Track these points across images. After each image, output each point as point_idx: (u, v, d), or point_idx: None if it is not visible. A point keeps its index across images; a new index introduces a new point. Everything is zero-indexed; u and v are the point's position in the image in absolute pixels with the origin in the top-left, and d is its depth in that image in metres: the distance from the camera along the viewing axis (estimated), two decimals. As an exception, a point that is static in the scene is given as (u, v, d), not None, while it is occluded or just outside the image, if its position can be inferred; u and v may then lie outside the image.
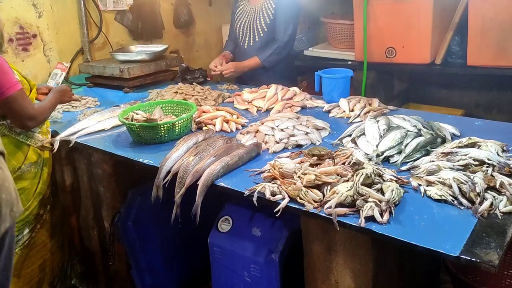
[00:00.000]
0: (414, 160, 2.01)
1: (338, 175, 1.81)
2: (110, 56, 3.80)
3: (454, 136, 2.23)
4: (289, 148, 2.31)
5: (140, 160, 2.32)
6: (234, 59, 3.69)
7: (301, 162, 1.97)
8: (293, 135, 2.33)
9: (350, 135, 2.30)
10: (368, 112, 2.61)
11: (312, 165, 1.92)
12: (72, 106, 3.17)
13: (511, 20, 3.60)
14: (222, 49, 3.85)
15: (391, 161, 2.04)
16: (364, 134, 2.21)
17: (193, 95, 3.10)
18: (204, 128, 2.65)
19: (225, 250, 2.33)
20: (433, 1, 3.91)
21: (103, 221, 2.89)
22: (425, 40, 4.09)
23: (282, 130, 2.39)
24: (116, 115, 2.81)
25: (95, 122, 2.79)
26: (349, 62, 4.63)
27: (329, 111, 2.78)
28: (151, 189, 2.19)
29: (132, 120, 2.52)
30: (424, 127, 2.20)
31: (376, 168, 1.80)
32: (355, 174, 1.74)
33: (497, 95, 4.77)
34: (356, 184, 1.69)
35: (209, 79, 3.83)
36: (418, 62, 4.22)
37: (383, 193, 1.69)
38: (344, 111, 2.70)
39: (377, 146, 2.09)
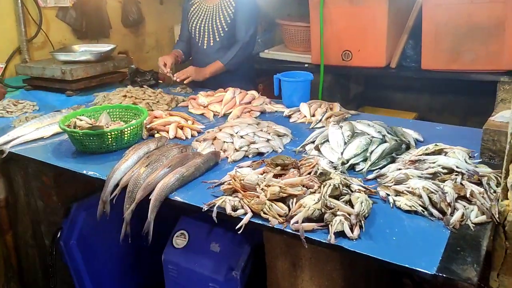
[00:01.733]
0: (380, 168, 1.92)
1: (304, 186, 1.68)
2: (51, 56, 3.49)
3: (417, 142, 2.17)
4: (250, 156, 2.16)
5: (84, 172, 2.09)
6: (185, 60, 3.49)
7: (264, 172, 1.82)
8: (253, 143, 2.19)
9: (313, 142, 2.18)
10: (330, 117, 2.52)
11: (275, 176, 1.78)
12: (7, 111, 2.85)
13: (464, 25, 3.66)
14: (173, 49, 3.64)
15: (356, 169, 1.94)
16: (327, 141, 2.10)
17: (143, 99, 2.89)
18: (157, 135, 2.45)
19: (181, 267, 2.14)
20: (388, 5, 3.92)
21: (43, 238, 2.62)
22: (380, 44, 4.10)
23: (241, 137, 2.23)
24: (57, 121, 2.55)
25: (32, 129, 2.51)
26: (306, 65, 4.57)
27: (289, 116, 2.66)
28: (97, 203, 1.97)
29: (74, 127, 2.28)
30: (388, 133, 2.12)
31: (344, 178, 1.68)
32: (322, 185, 1.62)
33: (449, 98, 4.87)
34: (324, 196, 1.57)
35: (161, 81, 3.61)
36: (374, 66, 4.22)
37: (351, 205, 1.58)
38: (305, 116, 2.59)
39: (342, 153, 1.99)
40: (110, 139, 2.24)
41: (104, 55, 3.45)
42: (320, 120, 2.50)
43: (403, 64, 4.23)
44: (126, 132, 2.27)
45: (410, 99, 5.12)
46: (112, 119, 2.53)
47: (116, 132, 2.23)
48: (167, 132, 2.46)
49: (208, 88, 3.32)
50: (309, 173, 1.74)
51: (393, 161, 1.97)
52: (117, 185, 1.96)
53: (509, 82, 3.66)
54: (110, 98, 2.95)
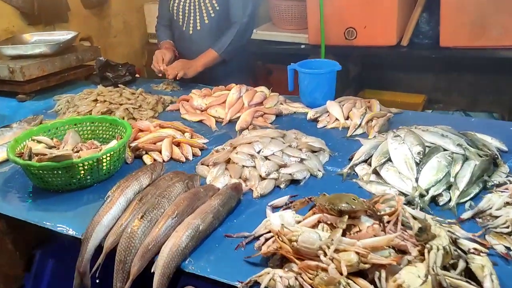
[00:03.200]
0: (472, 199, 1.38)
1: (393, 249, 1.11)
2: (-5, 50, 2.73)
3: (502, 153, 1.63)
4: (282, 187, 1.57)
5: (47, 224, 1.45)
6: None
7: (319, 222, 1.24)
8: (284, 165, 1.59)
9: (365, 161, 1.61)
10: (371, 120, 1.94)
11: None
12: None
13: (490, -6, 3.14)
14: (157, 38, 2.91)
15: (440, 203, 1.39)
16: (389, 160, 1.53)
17: (121, 104, 2.22)
18: (145, 158, 1.81)
19: None
20: (398, -28, 3.36)
21: (-1, 300, 1.96)
22: (391, 18, 3.54)
23: (266, 158, 1.63)
24: (5, 144, 1.88)
25: (-29, 157, 1.83)
26: (302, 46, 3.98)
27: (315, 120, 2.07)
28: (71, 245, 1.40)
29: (30, 156, 1.62)
30: (468, 144, 1.57)
31: (448, 231, 1.12)
32: (425, 250, 1.05)
33: (455, 77, 4.38)
34: (435, 270, 1.00)
35: (137, 75, 2.93)
36: (383, 44, 3.67)
37: (473, 278, 1.03)
38: (337, 120, 2.00)
39: (416, 180, 1.42)
40: (83, 172, 1.59)
41: (64, 46, 2.73)
42: (360, 124, 1.92)
43: (415, 41, 3.69)
44: (104, 160, 1.63)
45: (414, 80, 4.60)
46: (82, 136, 1.87)
47: (91, 162, 1.59)
48: (159, 152, 1.83)
49: (200, 84, 2.67)
50: (394, 223, 1.16)
51: (485, 186, 1.43)
52: (99, 246, 1.34)
53: (542, 59, 3.20)
54: (76, 104, 2.26)
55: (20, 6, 3.33)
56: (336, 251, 1.09)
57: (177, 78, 2.52)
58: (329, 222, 1.22)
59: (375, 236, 1.12)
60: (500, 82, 4.11)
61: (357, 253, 1.08)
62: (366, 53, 3.92)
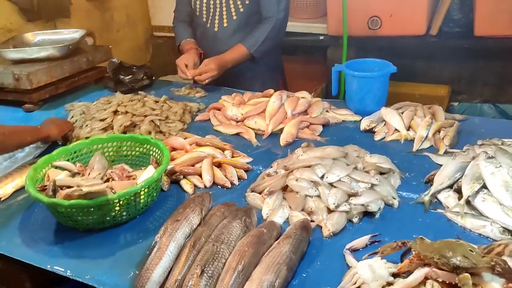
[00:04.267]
0: None
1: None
2: (-4, 54, 2.45)
3: None
4: (355, 221, 1.33)
5: (86, 278, 1.20)
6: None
7: (427, 279, 1.00)
8: (354, 194, 1.35)
9: (450, 187, 1.37)
10: (439, 131, 1.70)
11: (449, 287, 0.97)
12: None
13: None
14: (176, 37, 2.59)
15: (555, 242, 1.15)
16: (484, 187, 1.29)
17: (145, 115, 1.96)
18: (185, 184, 1.56)
19: None
20: (429, -45, 3.09)
21: None
22: (420, 5, 3.29)
23: (332, 185, 1.39)
24: (18, 169, 1.63)
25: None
26: (321, 37, 3.72)
27: (371, 131, 1.82)
28: None
29: (55, 190, 1.36)
30: None
31: None
32: None
33: (479, 66, 4.13)
34: None
35: (154, 78, 2.65)
36: (411, 34, 3.43)
37: None
38: (396, 131, 1.76)
39: (525, 214, 1.19)
40: (118, 208, 1.34)
41: (73, 47, 2.44)
42: (426, 137, 1.68)
43: (445, 30, 3.44)
44: (142, 193, 1.38)
45: (436, 70, 4.34)
46: (109, 157, 1.62)
47: (128, 197, 1.34)
48: (199, 176, 1.58)
49: (227, 87, 2.40)
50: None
51: None
52: (150, 309, 1.10)
53: None
54: (93, 116, 2.00)
55: (18, 2, 3.04)
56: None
57: (205, 82, 2.25)
58: (440, 280, 0.99)
59: (512, 304, 0.89)
60: (529, 71, 3.88)
61: (495, 329, 0.85)
62: (391, 44, 3.65)
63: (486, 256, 0.97)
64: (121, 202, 1.34)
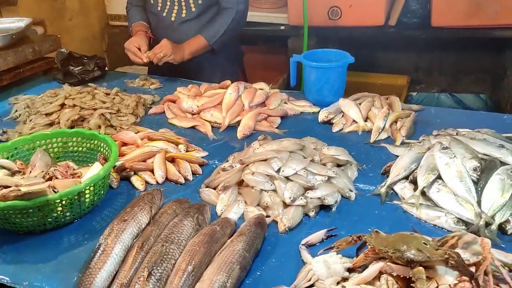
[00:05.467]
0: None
1: (489, 313, 0.87)
2: None
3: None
4: (311, 215, 1.29)
5: (23, 284, 1.11)
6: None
7: (382, 273, 0.98)
8: (311, 187, 1.31)
9: (406, 178, 1.36)
10: (396, 121, 1.69)
11: (404, 281, 0.95)
12: None
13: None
14: (128, 20, 2.45)
15: (508, 231, 1.17)
16: (439, 178, 1.28)
17: (95, 108, 1.85)
18: (135, 180, 1.48)
19: None
20: None
21: None
22: (379, -4, 3.30)
23: (288, 178, 1.35)
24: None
25: None
26: (282, 27, 3.68)
27: (329, 122, 1.79)
28: None
29: (-11, 191, 1.25)
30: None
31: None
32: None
33: (437, 56, 4.22)
34: None
35: (107, 69, 2.53)
36: (370, 24, 3.44)
37: None
38: (354, 122, 1.74)
39: (478, 204, 1.19)
40: (61, 209, 1.25)
41: (18, 36, 2.29)
42: (383, 128, 1.66)
43: (403, 20, 3.48)
44: (87, 192, 1.29)
45: (394, 60, 4.40)
46: (51, 152, 1.52)
47: (71, 197, 1.25)
48: (151, 172, 1.50)
49: (183, 79, 2.32)
50: (481, 276, 0.92)
51: (553, 207, 1.21)
52: (95, 317, 1.02)
53: (540, 37, 3.05)
54: (38, 110, 1.87)
55: (-43, -13, 2.83)
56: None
57: (160, 63, 2.14)
58: (394, 274, 0.97)
59: (465, 297, 0.88)
60: (483, 61, 3.99)
61: (449, 324, 0.83)
62: (351, 34, 3.66)
63: (440, 249, 0.95)
64: (63, 202, 1.25)
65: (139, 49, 2.17)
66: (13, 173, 1.42)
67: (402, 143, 1.60)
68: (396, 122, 1.69)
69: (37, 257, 1.20)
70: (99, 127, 1.77)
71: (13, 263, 1.18)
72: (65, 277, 1.13)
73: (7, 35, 2.22)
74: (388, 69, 4.20)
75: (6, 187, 1.29)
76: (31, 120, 1.83)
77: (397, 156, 1.48)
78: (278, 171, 1.37)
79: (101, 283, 1.05)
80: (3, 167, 1.42)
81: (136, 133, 1.71)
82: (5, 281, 1.13)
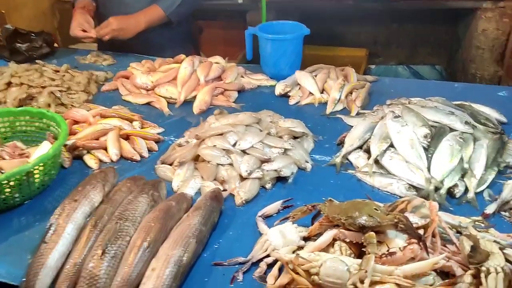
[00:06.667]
0: (489, 186, 1.22)
1: (435, 271, 0.91)
2: None
3: (502, 126, 1.48)
4: (268, 187, 1.30)
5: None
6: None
7: (335, 240, 1.00)
8: (267, 160, 1.32)
9: (360, 147, 1.38)
10: (351, 92, 1.71)
11: (357, 247, 0.98)
12: None
13: None
14: None
15: (456, 195, 1.21)
16: (391, 146, 1.31)
17: (43, 86, 1.77)
18: (88, 159, 1.44)
19: None
20: None
21: None
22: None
23: (244, 152, 1.34)
24: None
25: None
26: (240, 1, 3.63)
27: (285, 95, 1.79)
28: None
29: None
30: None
31: (496, 243, 0.94)
32: (482, 275, 0.86)
33: (394, 29, 4.29)
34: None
35: (56, 45, 2.42)
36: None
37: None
38: (311, 94, 1.74)
39: (428, 170, 1.23)
40: (9, 190, 1.20)
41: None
42: (339, 99, 1.68)
43: (362, -7, 3.49)
44: (36, 172, 1.24)
45: (352, 34, 4.44)
46: (1, 134, 1.45)
47: (19, 177, 1.20)
48: (105, 150, 1.46)
49: (137, 54, 2.24)
50: (429, 238, 0.96)
51: (498, 170, 1.27)
52: (49, 297, 1.00)
53: (492, 8, 3.14)
54: (-17, 89, 1.78)
55: None
56: (371, 284, 0.87)
57: (106, 39, 2.06)
58: (347, 240, 0.99)
59: (413, 258, 0.91)
60: (439, 33, 4.08)
61: (398, 285, 0.87)
62: (310, 7, 3.64)
63: (390, 214, 0.98)
64: (11, 183, 1.20)
65: (84, 31, 2.09)
66: (-45, 156, 1.35)
67: (357, 114, 1.62)
68: (351, 93, 1.71)
69: (-16, 238, 1.15)
70: (49, 105, 1.71)
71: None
72: (16, 260, 1.09)
73: None
74: (348, 42, 4.23)
75: None
76: (-25, 101, 1.73)
77: (352, 126, 1.50)
78: (234, 145, 1.36)
79: (54, 264, 1.02)
80: None
81: (88, 110, 1.65)
82: None
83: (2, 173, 1.21)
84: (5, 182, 1.18)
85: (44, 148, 1.31)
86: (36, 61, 2.06)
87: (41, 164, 1.24)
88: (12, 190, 1.21)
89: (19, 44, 2.22)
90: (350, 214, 0.99)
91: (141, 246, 1.02)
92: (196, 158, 1.38)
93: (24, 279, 1.01)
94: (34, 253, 1.04)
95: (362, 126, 1.42)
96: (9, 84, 1.80)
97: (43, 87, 1.77)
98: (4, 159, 1.30)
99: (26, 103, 1.73)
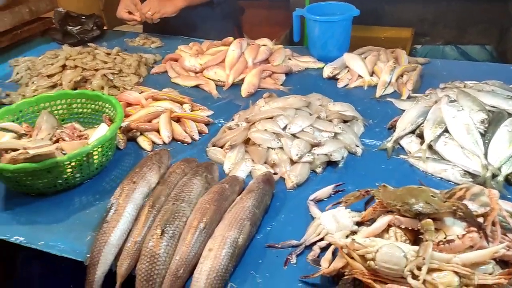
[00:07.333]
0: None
1: (495, 260, 0.89)
2: None
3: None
4: (318, 171, 1.30)
5: (39, 244, 1.14)
6: None
7: (390, 226, 1.00)
8: (317, 144, 1.32)
9: (413, 132, 1.36)
10: (402, 75, 1.67)
11: (412, 233, 0.97)
12: None
13: None
14: None
15: (514, 183, 1.18)
16: (446, 131, 1.28)
17: (96, 69, 1.83)
18: (142, 141, 1.49)
19: None
20: None
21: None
22: None
23: (294, 135, 1.35)
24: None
25: None
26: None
27: (334, 78, 1.77)
28: None
29: (-2, 154, 1.26)
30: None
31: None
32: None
33: (442, 7, 4.11)
34: None
35: (106, 28, 2.48)
36: (375, -26, 3.32)
37: None
38: (360, 77, 1.72)
39: (485, 156, 1.19)
40: (70, 170, 1.27)
41: (13, -4, 2.23)
42: (389, 82, 1.65)
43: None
44: (95, 153, 1.30)
45: (398, 12, 4.29)
46: (56, 114, 1.51)
47: (79, 158, 1.26)
48: (157, 132, 1.50)
49: (183, 36, 2.26)
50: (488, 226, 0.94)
51: (560, 158, 1.22)
52: (110, 272, 1.06)
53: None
54: (39, 72, 1.85)
55: None
56: (430, 273, 0.87)
57: (154, 20, 2.10)
58: (403, 227, 0.99)
59: (472, 247, 0.90)
60: (489, 11, 3.89)
61: (456, 273, 0.86)
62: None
63: (448, 201, 0.97)
64: (72, 164, 1.26)
65: (131, 12, 2.13)
66: (19, 136, 1.42)
67: (409, 97, 1.59)
68: (402, 76, 1.67)
69: (50, 218, 1.22)
70: (102, 88, 1.76)
71: (27, 224, 1.21)
72: (78, 236, 1.15)
73: (1, -5, 2.16)
74: (392, 21, 4.10)
75: (14, 150, 1.30)
76: (33, 82, 1.81)
77: (403, 110, 1.48)
78: (284, 128, 1.37)
79: (115, 241, 1.08)
80: (10, 130, 1.42)
81: (140, 93, 1.70)
82: (20, 241, 1.16)
83: (64, 154, 1.27)
84: (67, 162, 1.24)
85: (102, 130, 1.37)
86: (88, 44, 2.12)
87: (100, 146, 1.29)
88: (73, 170, 1.28)
89: (71, 27, 2.29)
90: (406, 200, 0.98)
91: (198, 227, 1.06)
92: (247, 141, 1.40)
93: (89, 255, 1.07)
94: (97, 231, 1.10)
95: (415, 110, 1.39)
96: (64, 67, 1.87)
97: (96, 70, 1.83)
98: (64, 140, 1.36)
99: (80, 85, 1.79)
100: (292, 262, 1.03)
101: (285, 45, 2.04)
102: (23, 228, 1.19)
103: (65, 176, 1.27)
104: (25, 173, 1.21)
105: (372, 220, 1.06)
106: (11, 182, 1.27)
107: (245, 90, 1.71)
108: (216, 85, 1.79)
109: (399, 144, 1.36)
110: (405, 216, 0.99)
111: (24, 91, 1.77)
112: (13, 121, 1.45)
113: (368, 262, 0.91)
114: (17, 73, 1.97)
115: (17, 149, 1.28)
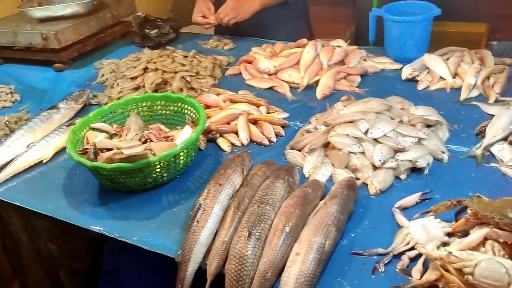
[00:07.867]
0: None
1: None
2: (21, 13, 2.39)
3: None
4: (402, 177, 1.28)
5: (133, 239, 1.21)
6: None
7: (489, 238, 0.96)
8: (401, 150, 1.29)
9: (504, 139, 1.30)
10: (488, 77, 1.60)
11: (511, 248, 0.93)
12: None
13: None
14: None
15: None
16: (543, 139, 1.21)
17: (175, 72, 1.90)
18: (222, 142, 1.53)
19: None
20: None
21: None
22: None
23: (376, 140, 1.33)
24: (57, 131, 1.63)
25: (22, 149, 1.59)
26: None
27: (414, 80, 1.72)
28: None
29: (95, 153, 1.35)
30: None
31: None
32: None
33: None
34: None
35: (181, 31, 2.57)
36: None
37: None
38: (442, 79, 1.66)
39: None
40: (159, 170, 1.33)
41: (98, 2, 2.36)
42: (475, 85, 1.58)
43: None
44: (182, 154, 1.36)
45: (471, 5, 4.05)
46: (143, 117, 1.59)
47: (168, 160, 1.32)
48: (236, 134, 1.54)
49: (255, 38, 2.29)
50: None
51: None
52: (200, 270, 1.10)
53: None
54: (124, 74, 1.95)
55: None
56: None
57: (230, 24, 2.14)
58: (501, 240, 0.95)
59: None
60: None
61: None
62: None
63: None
64: (161, 164, 1.32)
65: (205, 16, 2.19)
66: (110, 136, 1.51)
67: (496, 101, 1.51)
68: (488, 78, 1.59)
69: (141, 215, 1.29)
70: (181, 90, 1.83)
71: (121, 220, 1.28)
72: (168, 233, 1.21)
73: (89, 1, 2.29)
74: (464, 16, 3.90)
75: (108, 149, 1.38)
76: (118, 84, 1.91)
77: (491, 115, 1.41)
78: (365, 133, 1.36)
79: (205, 241, 1.12)
80: (102, 131, 1.51)
81: (216, 95, 1.75)
82: (115, 236, 1.24)
83: (152, 154, 1.33)
84: (157, 163, 1.30)
85: (186, 132, 1.42)
86: (166, 47, 2.20)
87: (186, 149, 1.34)
88: (162, 170, 1.34)
89: (148, 31, 2.39)
90: (505, 213, 0.94)
91: (284, 230, 1.08)
92: (326, 145, 1.40)
93: (180, 253, 1.12)
94: (187, 230, 1.14)
95: (506, 115, 1.32)
96: (145, 69, 1.96)
97: (175, 72, 1.90)
98: (152, 141, 1.43)
99: (160, 87, 1.87)
100: (380, 271, 1.02)
101: (351, 43, 2.01)
102: (117, 223, 1.27)
103: (154, 175, 1.34)
104: (120, 172, 1.29)
105: (463, 232, 1.03)
106: (106, 179, 1.35)
107: (320, 92, 1.71)
108: (290, 87, 1.80)
109: (489, 151, 1.31)
110: (503, 229, 0.95)
111: (110, 93, 1.88)
112: (104, 122, 1.55)
113: (465, 276, 0.88)
114: (102, 75, 2.09)
115: (111, 149, 1.37)
